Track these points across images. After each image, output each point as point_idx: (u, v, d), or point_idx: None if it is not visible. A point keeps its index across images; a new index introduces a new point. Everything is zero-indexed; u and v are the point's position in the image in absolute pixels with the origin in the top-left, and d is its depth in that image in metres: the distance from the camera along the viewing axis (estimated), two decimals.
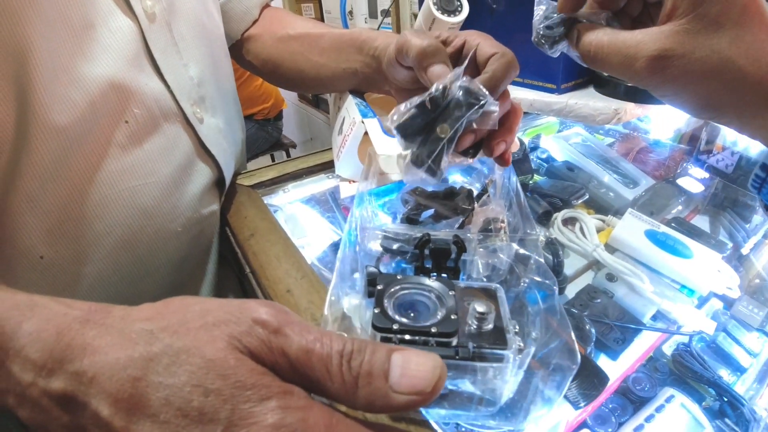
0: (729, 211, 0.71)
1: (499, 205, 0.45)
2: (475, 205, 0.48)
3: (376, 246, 0.42)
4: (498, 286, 0.35)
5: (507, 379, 0.30)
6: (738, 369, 0.58)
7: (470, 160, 0.40)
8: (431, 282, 0.33)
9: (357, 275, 0.37)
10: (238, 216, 0.54)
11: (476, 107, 0.34)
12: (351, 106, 0.53)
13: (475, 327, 0.31)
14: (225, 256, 0.60)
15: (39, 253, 0.45)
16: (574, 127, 0.83)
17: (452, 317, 0.31)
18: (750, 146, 0.82)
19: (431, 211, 0.50)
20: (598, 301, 0.52)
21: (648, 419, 0.50)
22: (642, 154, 0.79)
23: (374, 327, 0.30)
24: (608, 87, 0.70)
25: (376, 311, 0.31)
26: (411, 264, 0.40)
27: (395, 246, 0.40)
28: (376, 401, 0.21)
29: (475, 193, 0.51)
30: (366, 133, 0.49)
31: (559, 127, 0.84)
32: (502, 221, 0.43)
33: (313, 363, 0.21)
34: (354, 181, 0.56)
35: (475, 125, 0.36)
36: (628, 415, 0.50)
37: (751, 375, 0.59)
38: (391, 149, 0.47)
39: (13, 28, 0.35)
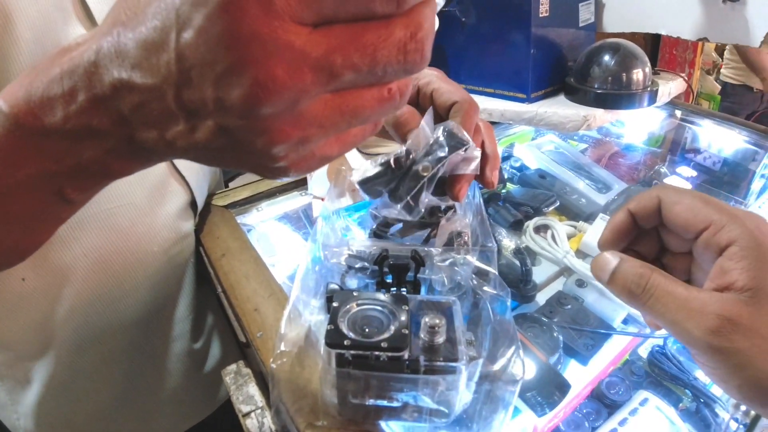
0: None
1: (465, 219, 0.46)
2: (443, 219, 0.49)
3: (340, 262, 0.42)
4: (454, 299, 0.36)
5: (459, 391, 0.31)
6: None
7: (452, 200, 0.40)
8: (385, 297, 0.34)
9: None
10: (211, 236, 0.55)
11: (459, 150, 0.36)
12: None
13: (427, 340, 0.31)
14: (204, 275, 0.61)
15: (21, 275, 0.47)
16: (547, 135, 0.85)
17: (403, 332, 0.31)
18: (723, 148, 0.83)
19: (399, 226, 0.51)
20: (569, 307, 0.53)
21: (621, 423, 0.50)
22: (614, 158, 0.80)
23: (326, 343, 0.30)
24: (578, 94, 0.71)
25: (329, 328, 0.31)
26: (373, 279, 0.41)
27: (357, 262, 0.41)
28: None
29: (443, 206, 0.52)
30: None
31: (533, 135, 0.86)
32: (466, 235, 0.44)
33: None
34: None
35: (458, 170, 0.37)
36: (602, 420, 0.51)
37: None
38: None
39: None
